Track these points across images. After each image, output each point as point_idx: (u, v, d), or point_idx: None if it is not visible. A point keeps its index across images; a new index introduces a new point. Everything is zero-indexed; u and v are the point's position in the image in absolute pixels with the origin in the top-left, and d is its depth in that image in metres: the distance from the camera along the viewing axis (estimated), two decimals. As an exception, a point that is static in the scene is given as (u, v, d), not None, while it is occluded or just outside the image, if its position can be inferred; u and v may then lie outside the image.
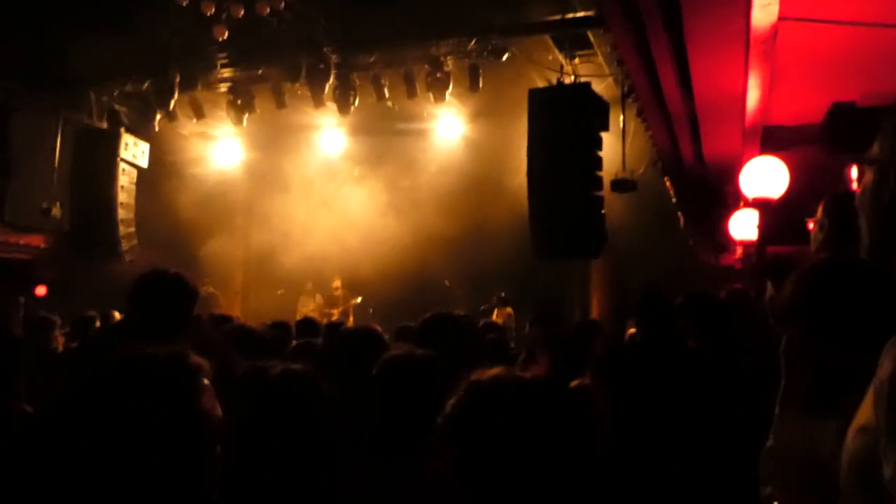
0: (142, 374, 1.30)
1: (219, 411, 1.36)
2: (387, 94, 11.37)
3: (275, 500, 1.78)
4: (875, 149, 1.28)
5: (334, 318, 13.31)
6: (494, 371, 1.37)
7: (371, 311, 13.49)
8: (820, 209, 2.76)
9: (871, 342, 1.17)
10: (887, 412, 1.06)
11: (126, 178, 12.40)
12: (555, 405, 1.31)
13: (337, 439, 1.92)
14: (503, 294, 12.20)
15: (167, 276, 2.61)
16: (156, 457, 1.23)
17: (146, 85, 11.96)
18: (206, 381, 1.36)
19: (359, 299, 13.74)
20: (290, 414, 1.83)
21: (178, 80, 11.66)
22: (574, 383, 1.27)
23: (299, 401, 1.85)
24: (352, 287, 14.02)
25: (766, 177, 5.49)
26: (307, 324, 5.50)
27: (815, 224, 2.82)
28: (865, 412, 1.16)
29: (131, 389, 1.26)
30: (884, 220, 1.28)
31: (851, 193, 1.42)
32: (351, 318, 13.16)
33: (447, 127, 13.88)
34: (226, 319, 5.71)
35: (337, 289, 13.90)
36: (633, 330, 8.75)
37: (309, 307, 13.62)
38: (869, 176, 1.31)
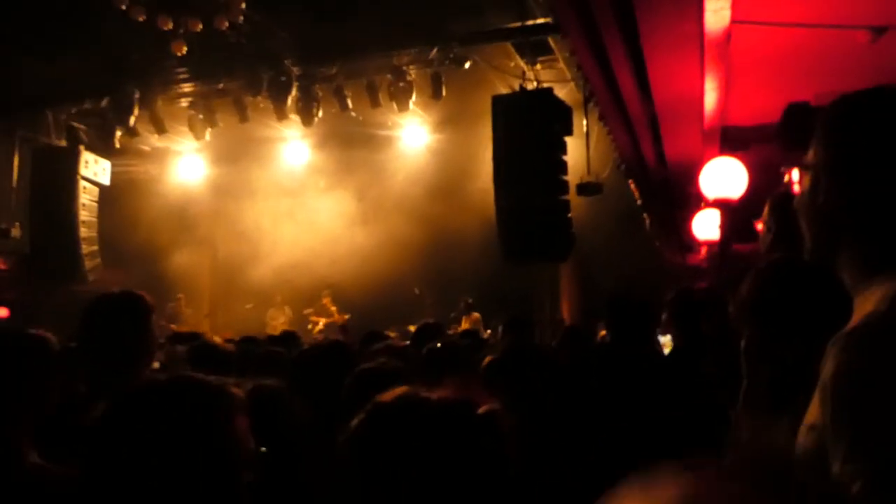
0: (183, 400, 1.30)
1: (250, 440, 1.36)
2: (350, 105, 11.35)
3: None
4: (810, 154, 1.32)
5: (319, 327, 13.26)
6: (398, 391, 1.34)
7: (347, 326, 13.42)
8: (766, 210, 2.81)
9: (820, 340, 1.20)
10: (831, 411, 1.09)
11: (87, 196, 12.19)
12: (456, 428, 1.27)
13: (307, 454, 1.91)
14: (470, 300, 12.21)
15: (114, 297, 2.57)
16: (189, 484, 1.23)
17: (105, 102, 11.79)
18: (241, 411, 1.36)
19: (345, 318, 13.65)
20: (261, 430, 1.82)
21: (137, 95, 11.53)
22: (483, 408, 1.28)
23: (271, 417, 1.84)
24: (333, 297, 13.93)
25: (725, 177, 5.58)
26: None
27: (763, 224, 2.88)
28: (814, 410, 1.18)
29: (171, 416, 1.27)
30: (820, 223, 1.32)
31: (791, 194, 1.46)
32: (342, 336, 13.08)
33: (412, 136, 13.89)
34: (193, 337, 5.65)
35: (327, 304, 13.82)
36: (604, 332, 8.82)
37: (279, 320, 13.51)
38: (806, 180, 1.34)
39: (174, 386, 1.32)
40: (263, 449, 1.40)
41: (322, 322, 13.58)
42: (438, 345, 3.45)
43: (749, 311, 1.91)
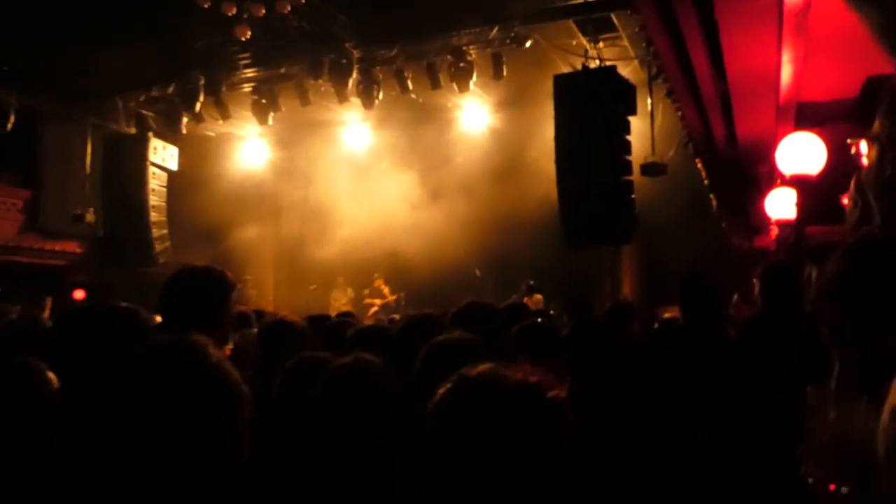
0: (153, 364, 1.33)
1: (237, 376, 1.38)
2: (410, 87, 11.34)
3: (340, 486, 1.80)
4: (876, 126, 1.25)
5: (375, 309, 13.43)
6: (484, 367, 1.35)
7: (403, 302, 13.54)
8: (852, 185, 2.71)
9: None
10: None
11: (156, 182, 12.54)
12: (532, 408, 1.28)
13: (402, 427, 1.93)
14: (532, 282, 12.15)
15: (197, 272, 2.59)
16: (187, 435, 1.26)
17: (171, 89, 12.06)
18: (215, 352, 1.38)
19: (398, 296, 13.79)
20: (361, 402, 1.86)
21: (202, 82, 11.74)
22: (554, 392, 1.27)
23: (370, 389, 1.87)
24: (385, 279, 14.08)
25: (803, 154, 5.37)
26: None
27: (849, 200, 2.78)
28: None
29: (149, 382, 1.29)
30: (888, 195, 1.25)
31: None
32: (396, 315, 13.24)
33: (472, 117, 13.83)
34: (260, 315, 5.76)
35: (380, 285, 14.00)
36: (668, 314, 8.68)
37: (341, 301, 13.70)
38: (872, 153, 1.27)
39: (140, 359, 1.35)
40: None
41: (378, 303, 13.72)
42: (536, 320, 3.42)
43: (838, 290, 1.83)
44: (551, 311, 10.21)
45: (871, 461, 1.25)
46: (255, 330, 4.31)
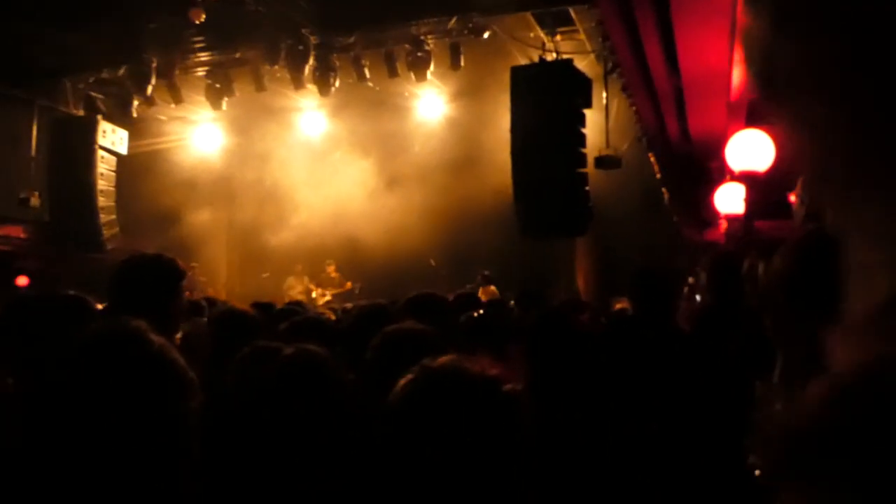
0: (97, 351, 1.29)
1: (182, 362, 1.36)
2: (367, 75, 11.28)
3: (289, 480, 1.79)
4: None
5: (327, 299, 13.31)
6: (445, 359, 1.37)
7: (356, 291, 13.48)
8: (799, 184, 2.77)
9: None
10: None
11: (105, 166, 12.23)
12: (493, 401, 1.31)
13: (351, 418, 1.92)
14: (486, 272, 12.21)
15: (147, 259, 2.55)
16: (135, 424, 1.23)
17: (122, 71, 11.77)
18: (157, 338, 1.35)
19: (352, 285, 13.69)
20: (307, 393, 1.84)
21: (154, 65, 11.49)
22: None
23: (315, 380, 1.86)
24: (338, 266, 13.99)
25: (752, 150, 5.50)
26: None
27: (796, 198, 2.84)
28: None
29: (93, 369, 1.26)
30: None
31: None
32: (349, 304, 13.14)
33: (429, 106, 13.80)
34: (211, 303, 5.68)
35: (331, 272, 13.86)
36: (619, 305, 8.80)
37: (296, 289, 13.57)
38: None
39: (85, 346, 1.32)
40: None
41: (330, 293, 13.60)
42: (477, 314, 3.45)
43: (784, 285, 1.88)
44: (511, 302, 10.27)
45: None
46: (206, 319, 4.25)
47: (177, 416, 1.29)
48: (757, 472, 1.78)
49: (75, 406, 1.21)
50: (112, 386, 1.23)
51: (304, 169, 14.46)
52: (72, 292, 2.20)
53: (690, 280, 6.45)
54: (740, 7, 4.11)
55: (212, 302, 5.88)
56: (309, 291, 13.57)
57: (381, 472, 1.33)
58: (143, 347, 1.30)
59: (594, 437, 2.58)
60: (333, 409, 1.86)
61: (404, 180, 13.67)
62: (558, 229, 9.44)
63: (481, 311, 3.44)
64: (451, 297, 4.18)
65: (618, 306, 9.77)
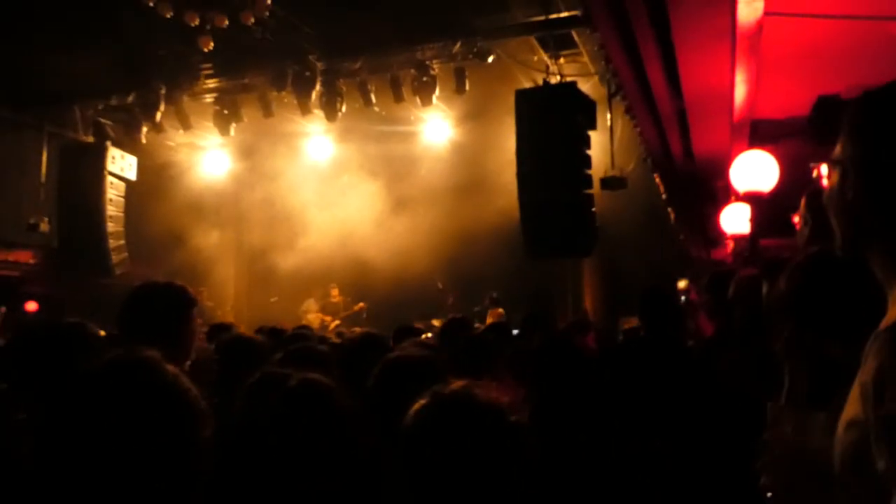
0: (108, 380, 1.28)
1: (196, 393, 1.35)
2: (374, 100, 11.36)
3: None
4: (837, 150, 1.31)
5: (336, 323, 13.33)
6: (456, 385, 1.40)
7: (364, 314, 13.50)
8: (802, 204, 2.79)
9: (858, 336, 1.19)
10: (874, 409, 1.08)
11: (114, 192, 12.33)
12: (503, 427, 1.35)
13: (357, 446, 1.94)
14: (494, 295, 12.22)
15: (158, 287, 2.57)
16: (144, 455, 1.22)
17: (131, 97, 11.91)
18: (170, 367, 1.34)
19: (361, 306, 13.70)
20: (312, 421, 1.86)
21: (163, 91, 11.62)
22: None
23: (320, 409, 1.88)
24: (345, 291, 14.02)
25: (756, 170, 5.53)
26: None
27: (799, 219, 2.86)
28: (854, 406, 1.18)
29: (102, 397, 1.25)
30: (848, 219, 1.31)
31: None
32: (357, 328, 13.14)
33: (435, 130, 13.88)
34: (224, 328, 5.67)
35: (335, 297, 13.88)
36: (627, 325, 8.78)
37: (313, 311, 13.63)
38: (834, 176, 1.33)
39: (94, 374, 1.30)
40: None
41: (339, 317, 13.61)
42: (467, 338, 3.49)
43: (789, 306, 1.90)
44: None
45: (828, 474, 1.29)
46: (213, 345, 4.26)
47: (190, 447, 1.28)
48: (769, 495, 1.78)
49: (88, 438, 1.20)
50: (125, 417, 1.22)
51: (312, 193, 14.54)
52: (72, 319, 2.22)
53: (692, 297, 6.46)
54: (739, 27, 4.16)
55: (224, 328, 5.85)
56: (321, 318, 13.60)
57: (390, 493, 1.36)
58: (157, 377, 1.29)
59: (598, 457, 2.58)
60: (338, 437, 1.88)
61: (411, 203, 13.73)
62: (565, 250, 9.45)
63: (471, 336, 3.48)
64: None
65: (626, 326, 9.76)
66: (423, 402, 1.37)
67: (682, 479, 2.93)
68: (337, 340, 5.73)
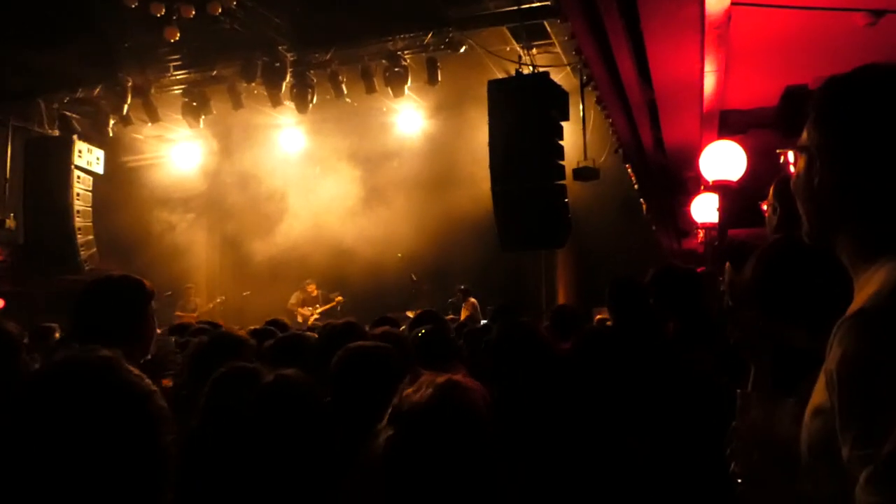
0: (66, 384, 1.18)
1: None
2: (345, 91, 11.29)
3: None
4: (804, 137, 1.31)
5: (315, 317, 13.25)
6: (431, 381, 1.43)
7: (339, 307, 13.44)
8: (771, 192, 2.81)
9: (824, 322, 1.20)
10: (838, 397, 1.09)
11: (81, 186, 12.13)
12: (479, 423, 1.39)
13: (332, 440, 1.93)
14: (463, 286, 12.18)
15: (113, 281, 2.47)
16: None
17: (98, 90, 11.71)
18: (128, 367, 1.25)
19: (339, 299, 13.62)
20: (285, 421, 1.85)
21: (130, 83, 11.45)
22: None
23: (295, 407, 1.86)
24: (321, 284, 13.92)
25: (724, 160, 5.57)
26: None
27: (768, 207, 2.87)
28: (820, 393, 1.18)
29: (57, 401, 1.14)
30: (816, 205, 1.31)
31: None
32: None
33: (407, 121, 13.84)
34: (215, 326, 5.56)
35: (313, 291, 13.79)
36: (600, 316, 8.82)
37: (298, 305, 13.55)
38: (801, 163, 1.34)
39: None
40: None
41: (317, 310, 13.54)
42: (423, 331, 3.49)
43: (754, 293, 1.90)
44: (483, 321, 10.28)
45: (795, 461, 1.30)
46: (173, 338, 4.20)
47: (152, 454, 1.20)
48: (738, 481, 1.79)
49: (39, 448, 1.10)
50: (79, 425, 1.12)
51: (285, 185, 14.43)
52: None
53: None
54: (708, 18, 4.18)
55: (214, 325, 5.72)
56: (300, 313, 13.50)
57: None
58: (115, 379, 1.19)
59: (564, 451, 2.58)
60: (312, 434, 1.86)
61: (384, 195, 13.69)
62: (538, 241, 9.46)
63: (423, 331, 3.49)
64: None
65: (598, 316, 9.81)
66: (390, 431, 1.41)
67: (654, 469, 2.94)
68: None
